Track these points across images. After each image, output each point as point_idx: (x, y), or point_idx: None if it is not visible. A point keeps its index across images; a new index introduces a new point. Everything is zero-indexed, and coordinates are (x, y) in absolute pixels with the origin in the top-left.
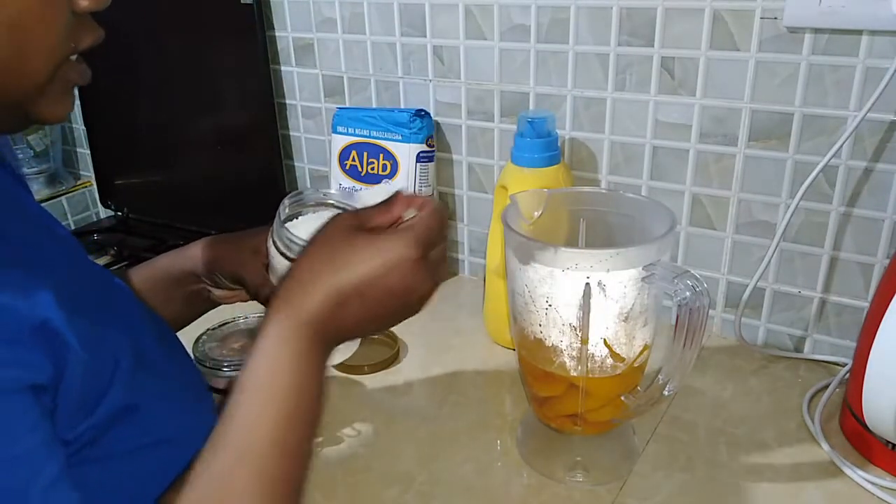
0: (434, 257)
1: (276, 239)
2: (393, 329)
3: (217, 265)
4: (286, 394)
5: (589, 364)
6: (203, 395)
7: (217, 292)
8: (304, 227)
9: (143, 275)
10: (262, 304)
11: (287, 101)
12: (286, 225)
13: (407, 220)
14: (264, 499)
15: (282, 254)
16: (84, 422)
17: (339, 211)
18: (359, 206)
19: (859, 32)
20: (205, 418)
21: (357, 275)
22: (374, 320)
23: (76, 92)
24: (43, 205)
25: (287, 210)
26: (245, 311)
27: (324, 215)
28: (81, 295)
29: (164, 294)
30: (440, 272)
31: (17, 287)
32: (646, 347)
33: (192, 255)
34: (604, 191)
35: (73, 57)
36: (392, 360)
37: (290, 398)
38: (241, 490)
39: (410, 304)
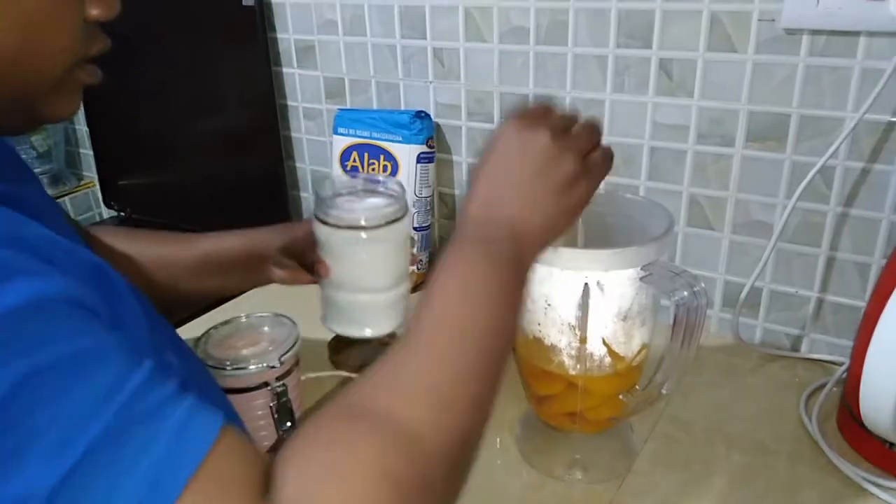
0: (577, 145)
1: (321, 215)
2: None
3: (292, 249)
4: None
5: (587, 363)
6: (217, 399)
7: (280, 273)
8: (346, 205)
9: (196, 251)
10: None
11: (289, 103)
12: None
13: None
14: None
15: (331, 225)
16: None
17: (373, 193)
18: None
19: (857, 34)
20: None
21: (487, 159)
22: (533, 195)
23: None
24: None
25: (329, 191)
26: (246, 311)
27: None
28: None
29: (217, 271)
30: (590, 160)
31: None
32: (644, 347)
33: (263, 238)
34: (602, 191)
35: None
36: None
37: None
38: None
39: (561, 176)
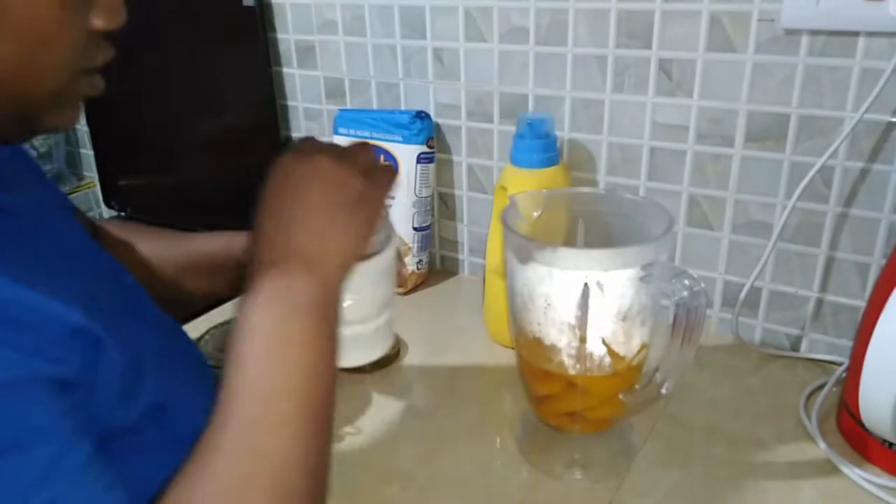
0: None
1: None
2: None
3: None
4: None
5: (587, 363)
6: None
7: None
8: None
9: (182, 249)
10: None
11: (289, 103)
12: None
13: None
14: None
15: None
16: (124, 413)
17: None
18: None
19: (856, 34)
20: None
21: (268, 199)
22: (321, 222)
23: None
24: None
25: None
26: None
27: None
28: (103, 294)
29: (202, 272)
30: (371, 170)
31: (51, 286)
32: (643, 346)
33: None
34: (602, 191)
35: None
36: (392, 359)
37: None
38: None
39: (346, 196)
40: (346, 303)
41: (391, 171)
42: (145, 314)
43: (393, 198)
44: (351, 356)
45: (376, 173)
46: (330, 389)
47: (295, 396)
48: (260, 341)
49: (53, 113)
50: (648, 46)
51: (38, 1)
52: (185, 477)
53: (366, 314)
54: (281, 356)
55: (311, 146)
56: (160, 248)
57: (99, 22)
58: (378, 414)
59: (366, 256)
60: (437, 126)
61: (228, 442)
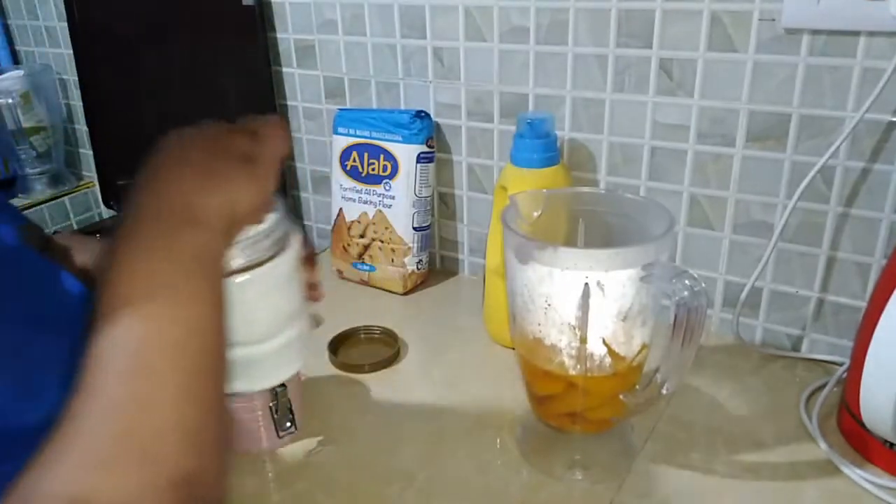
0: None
1: None
2: (393, 329)
3: None
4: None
5: (588, 363)
6: None
7: None
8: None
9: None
10: None
11: (288, 103)
12: None
13: None
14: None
15: None
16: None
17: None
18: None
19: (857, 33)
20: None
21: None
22: (197, 172)
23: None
24: (45, 206)
25: None
26: None
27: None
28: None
29: None
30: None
31: None
32: (644, 347)
33: None
34: (602, 191)
35: None
36: (392, 359)
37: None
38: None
39: (232, 150)
40: (235, 320)
41: (280, 123)
42: (74, 320)
43: (285, 163)
44: (246, 380)
45: (266, 128)
46: (215, 347)
47: (172, 352)
48: (135, 289)
49: None
50: (649, 46)
51: None
52: (47, 452)
53: (262, 332)
54: (159, 307)
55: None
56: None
57: None
58: (378, 414)
59: (258, 263)
60: (437, 126)
61: (96, 405)
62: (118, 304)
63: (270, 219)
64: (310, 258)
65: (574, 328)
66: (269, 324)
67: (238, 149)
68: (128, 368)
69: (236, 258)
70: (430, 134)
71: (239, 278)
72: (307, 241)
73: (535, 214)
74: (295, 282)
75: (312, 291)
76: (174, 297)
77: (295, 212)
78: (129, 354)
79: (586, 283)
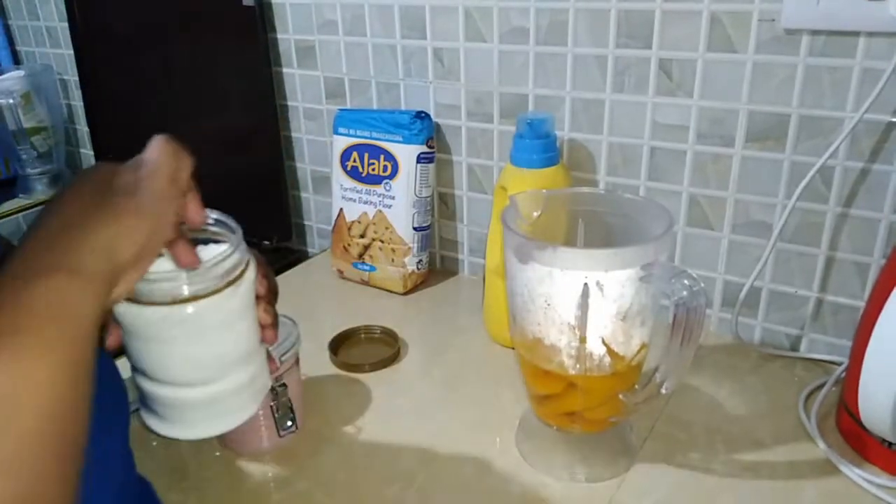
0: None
1: None
2: (393, 329)
3: None
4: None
5: (587, 363)
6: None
7: None
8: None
9: None
10: None
11: (289, 103)
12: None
13: None
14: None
15: (135, 301)
16: None
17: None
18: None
19: (856, 34)
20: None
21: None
22: (65, 213)
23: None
24: None
25: None
26: None
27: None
28: None
29: None
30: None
31: None
32: (643, 346)
33: None
34: (602, 191)
35: None
36: (392, 358)
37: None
38: None
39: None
40: (174, 356)
41: (165, 145)
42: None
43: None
44: (181, 426)
45: (148, 156)
46: (63, 409)
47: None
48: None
49: None
50: (649, 46)
51: None
52: None
53: (202, 374)
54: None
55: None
56: None
57: None
58: (378, 414)
59: (203, 295)
60: (437, 126)
61: None
62: None
63: (222, 246)
64: (270, 292)
65: (573, 328)
66: (212, 364)
67: (120, 182)
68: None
69: (181, 286)
70: (430, 134)
71: (179, 309)
72: (269, 274)
73: (535, 214)
74: (247, 320)
75: (266, 331)
76: (13, 347)
77: (295, 212)
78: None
79: (586, 283)
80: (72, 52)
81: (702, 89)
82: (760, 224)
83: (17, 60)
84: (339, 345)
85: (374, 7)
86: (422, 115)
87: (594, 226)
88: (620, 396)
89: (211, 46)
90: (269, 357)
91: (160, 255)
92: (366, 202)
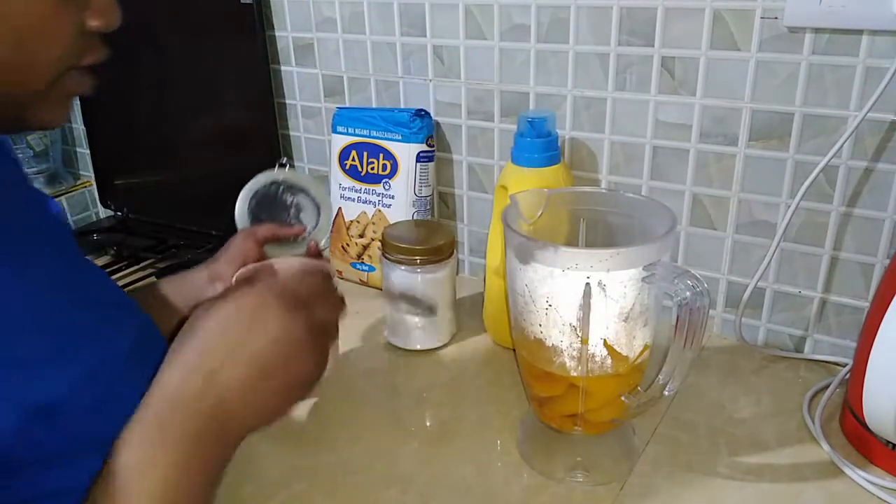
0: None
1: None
2: None
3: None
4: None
5: (589, 364)
6: None
7: None
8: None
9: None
10: None
11: (287, 101)
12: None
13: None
14: None
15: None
16: None
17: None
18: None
19: (860, 32)
20: None
21: (222, 324)
22: (264, 394)
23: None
24: None
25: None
26: None
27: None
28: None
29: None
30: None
31: None
32: (646, 347)
33: (218, 269)
34: (604, 191)
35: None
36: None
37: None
38: None
39: (299, 377)
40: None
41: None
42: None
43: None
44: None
45: (331, 332)
46: None
47: None
48: (142, 477)
49: (42, 109)
50: (651, 44)
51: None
52: None
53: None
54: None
55: (304, 289)
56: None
57: (94, 22)
58: (377, 415)
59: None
60: (437, 124)
61: None
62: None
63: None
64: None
65: (575, 329)
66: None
67: (306, 372)
68: None
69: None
70: (429, 133)
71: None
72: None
73: (536, 214)
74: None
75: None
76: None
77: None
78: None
79: (588, 284)
80: None
81: (704, 87)
82: (764, 224)
83: None
84: None
85: (373, 4)
86: (421, 114)
87: (596, 225)
88: (623, 398)
89: (209, 44)
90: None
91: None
92: (365, 201)
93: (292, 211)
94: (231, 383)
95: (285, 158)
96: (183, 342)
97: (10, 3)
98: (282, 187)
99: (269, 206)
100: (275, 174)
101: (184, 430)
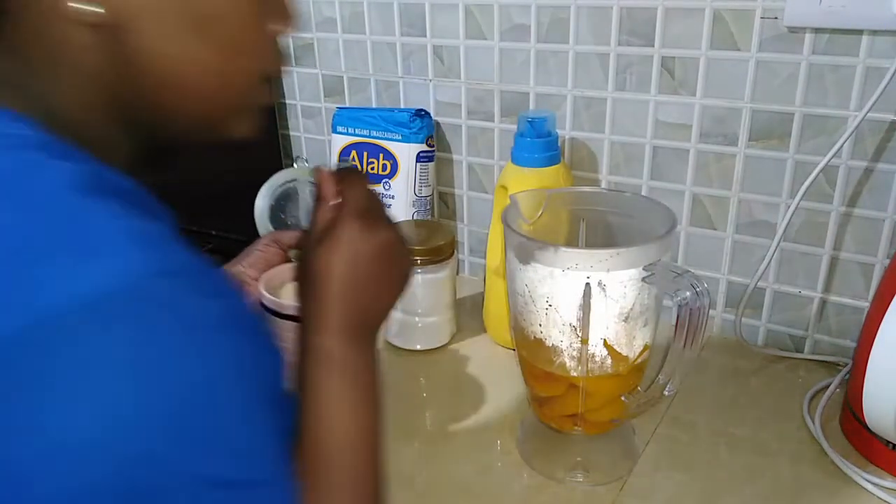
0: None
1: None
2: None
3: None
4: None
5: (589, 364)
6: None
7: None
8: None
9: None
10: None
11: (287, 101)
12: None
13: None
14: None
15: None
16: None
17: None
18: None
19: (860, 32)
20: None
21: (345, 260)
22: (390, 294)
23: None
24: None
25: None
26: None
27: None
28: None
29: None
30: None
31: None
32: (646, 347)
33: (239, 271)
34: (604, 191)
35: None
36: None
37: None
38: None
39: (405, 268)
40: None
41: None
42: None
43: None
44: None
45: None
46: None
47: (371, 456)
48: (341, 408)
49: (238, 121)
50: (651, 44)
51: (240, 8)
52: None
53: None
54: (364, 413)
55: (367, 201)
56: None
57: (278, 27)
58: None
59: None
60: (437, 124)
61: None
62: (329, 416)
63: None
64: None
65: (575, 329)
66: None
67: (407, 262)
68: (348, 478)
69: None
70: (429, 133)
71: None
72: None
73: (537, 214)
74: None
75: None
76: (364, 410)
77: None
78: (346, 466)
79: (587, 284)
80: None
81: (704, 87)
82: (764, 224)
83: None
84: None
85: (373, 4)
86: (421, 114)
87: (596, 225)
88: (623, 398)
89: None
90: None
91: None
92: None
93: (311, 207)
94: (373, 309)
95: (303, 156)
96: (318, 286)
97: (224, 17)
98: (300, 184)
99: (289, 204)
100: (293, 171)
101: (353, 355)
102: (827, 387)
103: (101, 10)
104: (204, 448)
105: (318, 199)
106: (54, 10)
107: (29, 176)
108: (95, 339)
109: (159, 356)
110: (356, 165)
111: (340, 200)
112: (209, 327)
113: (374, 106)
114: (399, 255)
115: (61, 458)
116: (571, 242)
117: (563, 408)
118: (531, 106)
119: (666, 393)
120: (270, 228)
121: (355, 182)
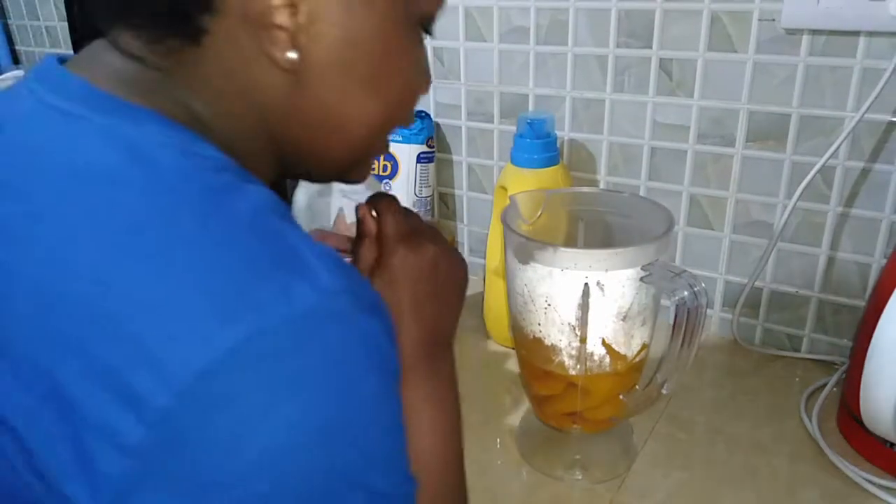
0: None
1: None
2: None
3: None
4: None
5: (588, 363)
6: None
7: None
8: None
9: None
10: None
11: None
12: None
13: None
14: None
15: None
16: None
17: None
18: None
19: (857, 34)
20: None
21: (401, 292)
22: (451, 306)
23: None
24: None
25: None
26: None
27: None
28: None
29: None
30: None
31: None
32: (644, 346)
33: None
34: (602, 191)
35: None
36: None
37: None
38: None
39: (460, 277)
40: None
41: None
42: None
43: None
44: None
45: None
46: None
47: (459, 460)
48: (433, 413)
49: (359, 168)
50: (649, 46)
51: (409, 69)
52: None
53: None
54: (448, 426)
55: (409, 224)
56: None
57: (422, 88)
58: None
59: None
60: (437, 125)
61: None
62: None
63: None
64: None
65: (574, 328)
66: None
67: (460, 270)
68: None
69: None
70: (430, 134)
71: None
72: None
73: (536, 215)
74: None
75: None
76: (450, 415)
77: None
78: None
79: (586, 283)
80: (71, 52)
81: (702, 89)
82: (761, 224)
83: (16, 60)
84: None
85: None
86: (421, 115)
87: (594, 226)
88: (621, 397)
89: None
90: None
91: None
92: None
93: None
94: (441, 323)
95: None
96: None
97: (399, 74)
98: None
99: (323, 195)
100: None
101: (430, 369)
102: (824, 386)
103: (297, 57)
104: (370, 460)
105: (360, 235)
106: (257, 49)
107: (232, 196)
108: (298, 355)
109: (348, 373)
110: (384, 189)
111: (378, 230)
112: (377, 343)
113: None
114: (450, 265)
115: (258, 466)
116: (570, 242)
117: (562, 406)
118: (530, 107)
119: (664, 392)
120: (310, 224)
121: (389, 208)
